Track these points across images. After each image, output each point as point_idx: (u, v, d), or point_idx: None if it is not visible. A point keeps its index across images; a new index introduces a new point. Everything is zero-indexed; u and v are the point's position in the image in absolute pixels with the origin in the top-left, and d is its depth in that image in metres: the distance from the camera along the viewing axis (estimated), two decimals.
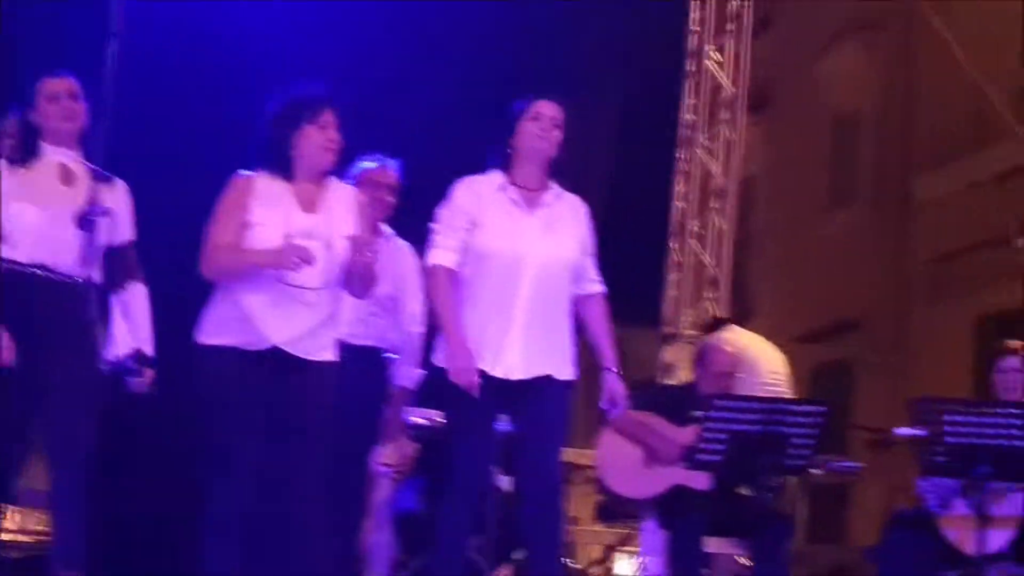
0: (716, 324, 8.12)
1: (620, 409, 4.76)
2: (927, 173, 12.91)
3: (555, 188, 4.76)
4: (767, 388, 6.91)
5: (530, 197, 4.71)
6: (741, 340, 7.22)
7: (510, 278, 4.63)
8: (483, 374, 4.56)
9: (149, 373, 4.75)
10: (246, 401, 4.40)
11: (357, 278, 4.53)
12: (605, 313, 4.84)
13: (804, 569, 10.09)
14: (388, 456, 5.49)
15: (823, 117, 14.98)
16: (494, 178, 4.72)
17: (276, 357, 4.43)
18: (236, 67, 7.45)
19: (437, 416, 5.28)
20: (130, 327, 4.75)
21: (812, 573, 10.74)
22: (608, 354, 4.75)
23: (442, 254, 4.68)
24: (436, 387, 4.75)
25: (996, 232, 11.38)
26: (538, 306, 4.65)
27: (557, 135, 4.68)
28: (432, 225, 4.74)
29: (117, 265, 4.76)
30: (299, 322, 4.45)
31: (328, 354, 4.54)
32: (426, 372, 5.12)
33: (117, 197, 4.75)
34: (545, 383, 4.66)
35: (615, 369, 4.73)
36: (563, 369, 4.71)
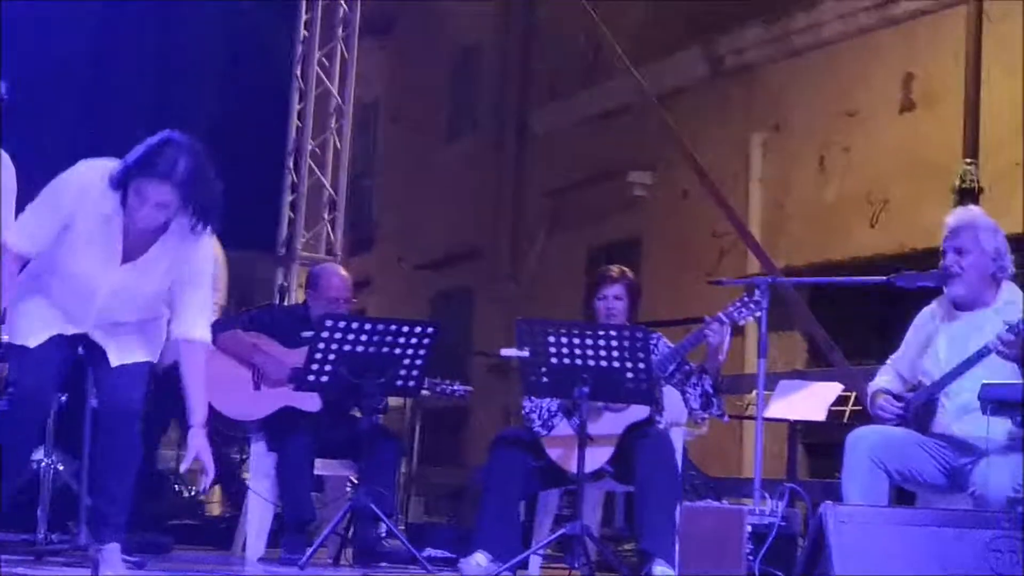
0: None
1: (208, 479, 4.59)
2: (543, 107, 13.26)
3: (171, 235, 4.46)
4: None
5: (136, 245, 4.45)
6: None
7: (79, 311, 4.49)
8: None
9: None
10: None
11: None
12: (200, 364, 4.56)
13: (420, 491, 10.26)
14: None
15: (446, 46, 15.13)
16: (110, 197, 4.39)
17: None
18: None
19: None
20: None
21: (428, 495, 10.94)
22: (198, 410, 4.52)
23: (19, 238, 4.41)
24: None
25: (608, 166, 11.85)
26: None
27: (159, 215, 4.38)
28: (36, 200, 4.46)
29: None
30: None
31: None
32: None
33: None
34: None
35: (202, 425, 4.52)
36: None
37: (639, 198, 11.70)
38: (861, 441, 4.73)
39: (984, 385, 3.99)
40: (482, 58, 14.61)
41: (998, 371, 4.43)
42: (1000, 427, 4.35)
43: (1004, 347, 4.34)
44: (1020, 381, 4.32)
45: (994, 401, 3.94)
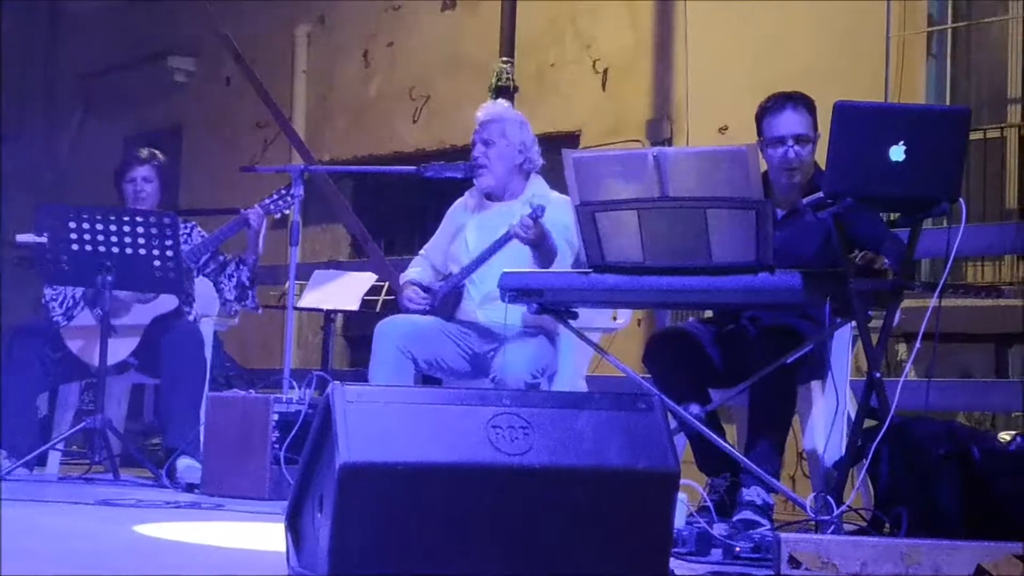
0: None
1: None
2: None
3: None
4: None
5: None
6: None
7: None
8: None
9: None
10: None
11: None
12: None
13: None
14: None
15: None
16: None
17: None
18: None
19: None
20: None
21: None
22: None
23: None
24: None
25: (148, 51, 11.38)
26: None
27: None
28: None
29: None
30: None
31: None
32: None
33: None
34: None
35: None
36: None
37: (181, 84, 11.32)
38: (389, 330, 4.79)
39: (504, 273, 4.08)
40: None
41: (523, 259, 4.55)
42: (519, 314, 4.49)
43: (522, 230, 4.46)
44: (539, 268, 4.47)
45: (513, 289, 4.04)
